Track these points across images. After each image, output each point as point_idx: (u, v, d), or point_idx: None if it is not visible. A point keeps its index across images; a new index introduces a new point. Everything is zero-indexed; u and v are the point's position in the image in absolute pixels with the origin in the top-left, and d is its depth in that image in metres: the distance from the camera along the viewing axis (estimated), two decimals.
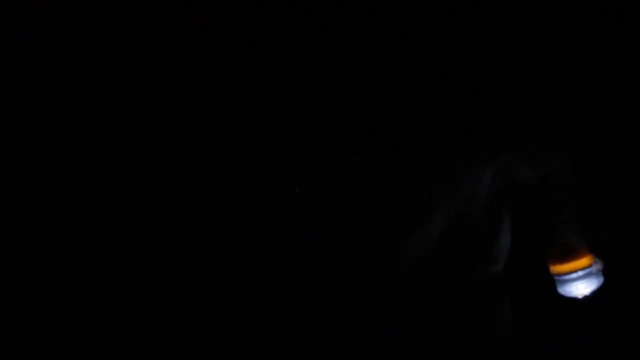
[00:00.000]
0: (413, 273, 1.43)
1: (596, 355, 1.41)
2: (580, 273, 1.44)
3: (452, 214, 1.41)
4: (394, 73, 1.32)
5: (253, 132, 1.43)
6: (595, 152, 1.48)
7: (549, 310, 1.52)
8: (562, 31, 1.42)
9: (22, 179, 1.50)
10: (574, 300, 1.44)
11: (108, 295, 1.44)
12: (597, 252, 1.41)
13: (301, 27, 1.36)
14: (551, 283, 1.45)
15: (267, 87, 1.41)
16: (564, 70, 1.44)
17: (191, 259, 1.45)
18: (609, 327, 1.47)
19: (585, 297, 1.43)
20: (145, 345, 1.41)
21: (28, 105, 1.50)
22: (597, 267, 1.43)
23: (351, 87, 1.31)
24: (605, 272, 1.41)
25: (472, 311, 1.38)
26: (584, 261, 1.42)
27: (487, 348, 1.32)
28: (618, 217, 1.50)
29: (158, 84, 1.50)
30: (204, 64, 1.49)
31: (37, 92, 1.49)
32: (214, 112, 1.49)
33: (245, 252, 1.43)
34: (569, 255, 1.47)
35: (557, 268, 1.47)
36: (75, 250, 1.47)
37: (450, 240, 1.47)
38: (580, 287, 1.44)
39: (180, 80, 1.50)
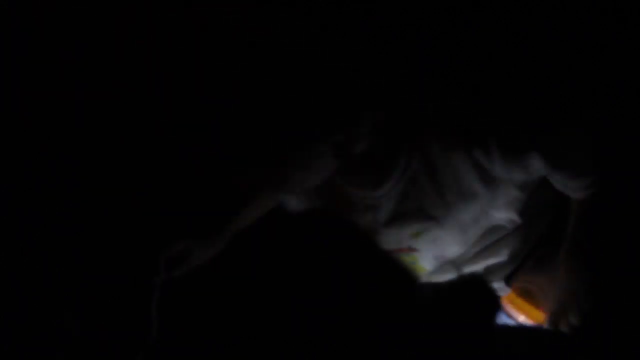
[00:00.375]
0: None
1: (596, 355, 1.41)
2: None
3: (462, 213, 1.41)
4: (394, 73, 1.32)
5: (253, 132, 1.43)
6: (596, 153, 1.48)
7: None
8: (562, 31, 1.42)
9: (22, 179, 1.50)
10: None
11: (107, 294, 1.44)
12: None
13: (301, 27, 1.36)
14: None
15: (267, 87, 1.41)
16: (564, 70, 1.44)
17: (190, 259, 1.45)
18: (609, 327, 1.47)
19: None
20: (145, 345, 1.41)
21: (28, 105, 1.50)
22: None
23: (351, 87, 1.31)
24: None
25: (475, 312, 1.38)
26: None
27: (489, 348, 1.32)
28: (618, 215, 1.50)
29: (158, 84, 1.50)
30: (204, 64, 1.49)
31: (37, 92, 1.49)
32: (214, 112, 1.49)
33: (245, 251, 1.43)
34: (525, 302, 1.47)
35: (509, 304, 1.47)
36: (74, 250, 1.47)
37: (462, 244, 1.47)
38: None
39: (180, 80, 1.50)
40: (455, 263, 1.50)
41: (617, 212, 1.38)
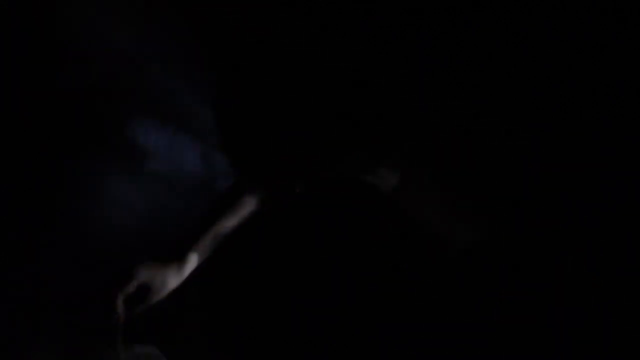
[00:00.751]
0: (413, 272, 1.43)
1: (595, 354, 1.41)
2: None
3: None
4: (394, 73, 1.32)
5: (253, 131, 1.43)
6: (596, 152, 1.48)
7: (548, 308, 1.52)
8: (562, 31, 1.42)
9: (22, 179, 1.50)
10: None
11: (107, 293, 1.44)
12: None
13: (301, 27, 1.36)
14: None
15: (267, 87, 1.41)
16: (564, 70, 1.44)
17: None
18: (609, 327, 1.48)
19: None
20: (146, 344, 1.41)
21: (28, 105, 1.50)
22: None
23: (351, 87, 1.31)
24: None
25: (473, 310, 1.38)
26: None
27: (488, 347, 1.33)
28: (618, 217, 1.50)
29: (159, 84, 1.50)
30: (205, 63, 1.49)
31: (38, 92, 1.49)
32: (215, 112, 1.49)
33: (246, 251, 1.43)
34: None
35: None
36: (75, 250, 1.47)
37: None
38: None
39: (180, 79, 1.50)
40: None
41: None
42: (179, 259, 1.29)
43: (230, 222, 1.37)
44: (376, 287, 1.37)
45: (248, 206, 1.39)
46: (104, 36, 1.43)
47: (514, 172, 1.45)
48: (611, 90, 1.46)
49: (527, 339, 1.36)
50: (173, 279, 1.27)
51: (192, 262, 1.30)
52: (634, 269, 1.42)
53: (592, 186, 1.46)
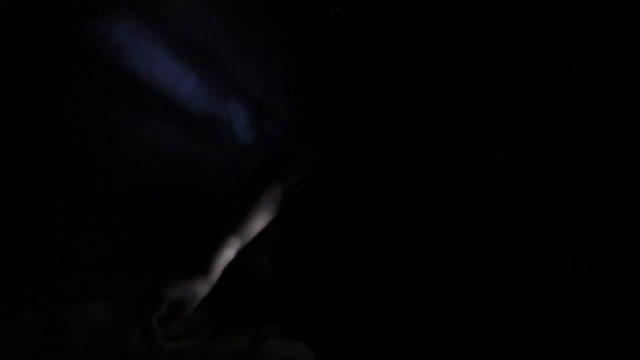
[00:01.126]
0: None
1: (596, 354, 1.41)
2: None
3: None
4: (394, 73, 1.32)
5: (253, 131, 1.43)
6: (595, 152, 1.48)
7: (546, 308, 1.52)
8: (562, 31, 1.42)
9: (22, 179, 1.50)
10: None
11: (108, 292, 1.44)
12: None
13: (302, 28, 1.36)
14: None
15: (268, 86, 1.41)
16: (564, 70, 1.44)
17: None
18: (609, 327, 1.48)
19: None
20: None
21: (28, 105, 1.50)
22: None
23: (351, 87, 1.31)
24: None
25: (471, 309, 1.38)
26: None
27: (487, 347, 1.33)
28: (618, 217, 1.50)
29: (162, 84, 1.50)
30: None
31: (38, 92, 1.49)
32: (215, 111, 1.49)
33: (246, 251, 1.43)
34: None
35: None
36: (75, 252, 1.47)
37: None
38: None
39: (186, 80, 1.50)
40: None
41: None
42: (204, 268, 1.26)
43: (256, 224, 1.36)
44: (376, 287, 1.37)
45: (272, 204, 1.38)
46: None
47: (514, 172, 1.45)
48: (611, 90, 1.46)
49: (527, 338, 1.36)
50: (202, 289, 1.24)
51: (218, 268, 1.28)
52: (633, 269, 1.42)
53: (592, 186, 1.46)
